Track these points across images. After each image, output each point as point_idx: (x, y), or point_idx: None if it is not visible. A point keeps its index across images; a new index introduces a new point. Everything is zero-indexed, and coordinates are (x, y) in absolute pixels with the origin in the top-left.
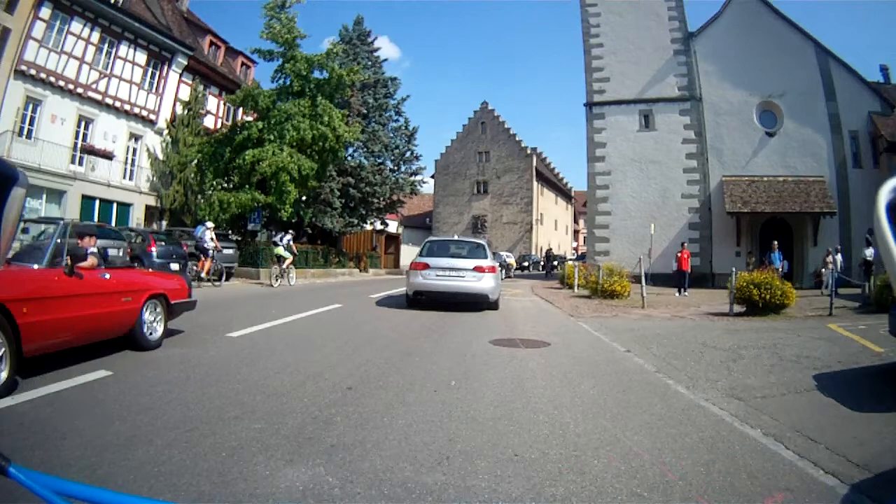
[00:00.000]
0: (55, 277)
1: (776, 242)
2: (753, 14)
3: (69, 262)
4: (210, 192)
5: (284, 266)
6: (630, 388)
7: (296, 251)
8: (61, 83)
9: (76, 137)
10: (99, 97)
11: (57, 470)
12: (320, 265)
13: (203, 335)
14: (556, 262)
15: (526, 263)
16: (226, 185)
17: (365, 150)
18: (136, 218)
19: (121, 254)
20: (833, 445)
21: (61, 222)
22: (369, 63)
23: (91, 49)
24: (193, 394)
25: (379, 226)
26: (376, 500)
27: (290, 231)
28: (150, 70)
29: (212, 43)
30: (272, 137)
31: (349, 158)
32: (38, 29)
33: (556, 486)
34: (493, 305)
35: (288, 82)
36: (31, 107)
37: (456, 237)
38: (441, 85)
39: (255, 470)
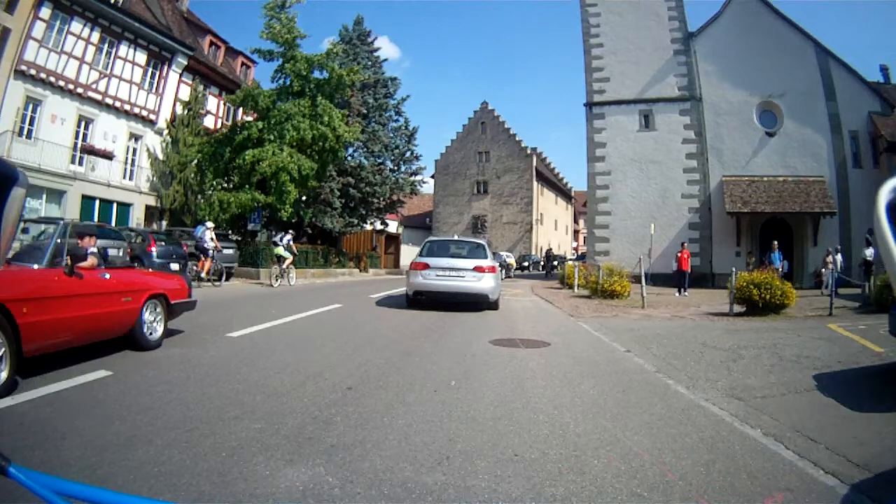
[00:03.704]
0: (55, 277)
1: (776, 242)
2: (753, 14)
3: (69, 262)
4: (210, 192)
5: (284, 266)
6: (630, 388)
7: (296, 251)
8: (61, 83)
9: (76, 137)
10: (99, 97)
11: (57, 470)
12: (320, 265)
13: (203, 335)
14: (556, 262)
15: (526, 263)
16: (226, 185)
17: (365, 150)
18: (136, 218)
19: (121, 254)
20: (833, 445)
21: (61, 222)
22: (369, 63)
23: (91, 49)
24: (193, 394)
25: (379, 226)
26: (376, 500)
27: (290, 231)
28: (150, 70)
29: (212, 43)
30: (272, 137)
31: (349, 158)
32: (38, 29)
33: (556, 486)
34: (493, 305)
35: (288, 82)
36: (31, 107)
37: (456, 237)
38: (441, 85)
39: (255, 470)
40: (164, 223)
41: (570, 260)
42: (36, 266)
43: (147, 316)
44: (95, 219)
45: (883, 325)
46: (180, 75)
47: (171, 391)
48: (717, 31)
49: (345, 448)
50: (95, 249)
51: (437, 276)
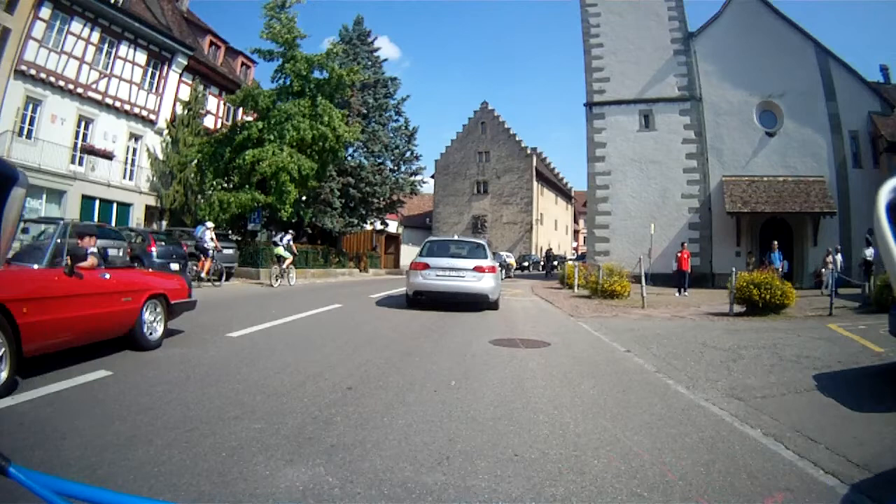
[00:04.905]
0: (55, 277)
1: (776, 242)
2: (753, 14)
3: (69, 262)
4: (210, 192)
5: (284, 266)
6: (630, 388)
7: (296, 251)
8: (61, 83)
9: (76, 137)
10: (99, 97)
11: (57, 470)
12: (320, 265)
13: (203, 335)
14: (556, 262)
15: (526, 263)
16: (226, 185)
17: (365, 150)
18: (136, 218)
19: (121, 254)
20: (833, 445)
21: (61, 222)
22: (369, 63)
23: (91, 49)
24: (193, 394)
25: (379, 226)
26: (376, 500)
27: (290, 231)
28: (150, 70)
29: (212, 43)
30: (272, 137)
31: (349, 158)
32: (38, 29)
33: (556, 486)
34: (493, 305)
35: (288, 82)
36: (31, 107)
37: (456, 237)
38: (441, 85)
39: (255, 470)
40: (164, 223)
41: (570, 260)
42: (36, 266)
43: (147, 316)
44: (95, 219)
45: (883, 325)
46: (180, 75)
47: (171, 391)
48: (717, 31)
49: (345, 448)
50: (95, 249)
51: (437, 276)
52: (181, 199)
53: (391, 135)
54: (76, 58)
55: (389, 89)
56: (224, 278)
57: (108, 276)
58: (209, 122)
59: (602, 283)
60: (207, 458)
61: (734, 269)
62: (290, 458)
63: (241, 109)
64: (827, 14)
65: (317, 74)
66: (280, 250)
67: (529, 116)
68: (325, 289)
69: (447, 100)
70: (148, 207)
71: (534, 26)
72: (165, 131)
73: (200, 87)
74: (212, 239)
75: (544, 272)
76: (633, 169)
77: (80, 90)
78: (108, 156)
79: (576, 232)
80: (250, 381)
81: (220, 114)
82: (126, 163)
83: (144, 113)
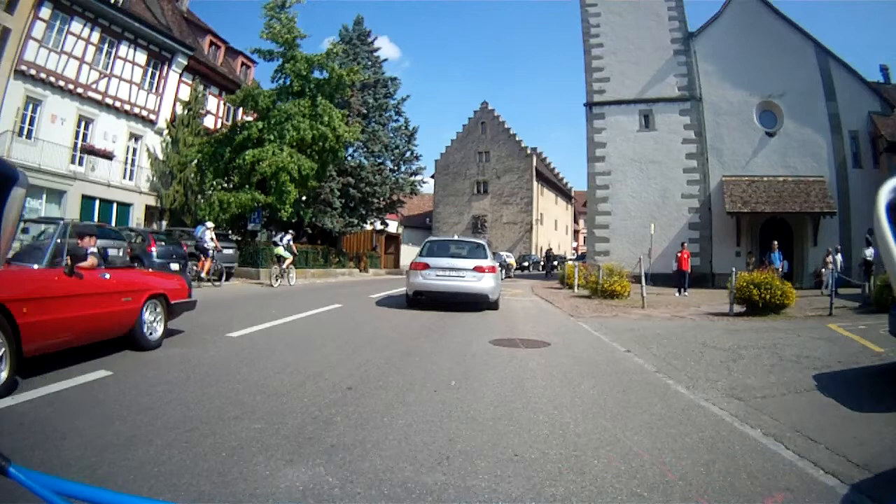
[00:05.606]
0: (55, 277)
1: (776, 242)
2: (753, 14)
3: (69, 262)
4: (210, 192)
5: (284, 266)
6: (630, 388)
7: (296, 251)
8: (61, 83)
9: (76, 137)
10: (99, 97)
11: (57, 470)
12: (320, 265)
13: (203, 335)
14: (556, 262)
15: (526, 263)
16: (226, 185)
17: (365, 150)
18: (136, 218)
19: (121, 254)
20: (833, 445)
21: (61, 222)
22: (369, 63)
23: (91, 49)
24: (193, 394)
25: (379, 226)
26: (376, 500)
27: (290, 231)
28: (150, 70)
29: (212, 43)
30: (272, 137)
31: (349, 158)
32: (38, 29)
33: (556, 486)
34: (493, 305)
35: (288, 82)
36: (31, 107)
37: (456, 237)
38: (441, 85)
39: (255, 470)
40: (164, 223)
41: (570, 260)
42: (36, 266)
43: (147, 316)
44: (95, 219)
45: (883, 325)
46: (180, 75)
47: (171, 391)
48: (717, 31)
49: (345, 448)
50: (95, 249)
51: (437, 276)
52: (181, 199)
53: (391, 135)
54: (76, 58)
55: (389, 89)
56: (224, 278)
57: (108, 276)
58: (209, 122)
59: (602, 283)
60: (207, 458)
61: (734, 269)
62: (290, 458)
63: (241, 109)
64: (827, 14)
65: (317, 74)
66: (280, 250)
67: (529, 116)
68: (325, 289)
69: (447, 100)
70: (148, 207)
71: (534, 26)
72: (165, 131)
73: (200, 87)
74: (212, 239)
75: (544, 272)
76: (633, 169)
77: (80, 90)
78: (108, 156)
79: (576, 232)
80: (250, 381)
81: (220, 114)
82: (126, 163)
83: (144, 113)
